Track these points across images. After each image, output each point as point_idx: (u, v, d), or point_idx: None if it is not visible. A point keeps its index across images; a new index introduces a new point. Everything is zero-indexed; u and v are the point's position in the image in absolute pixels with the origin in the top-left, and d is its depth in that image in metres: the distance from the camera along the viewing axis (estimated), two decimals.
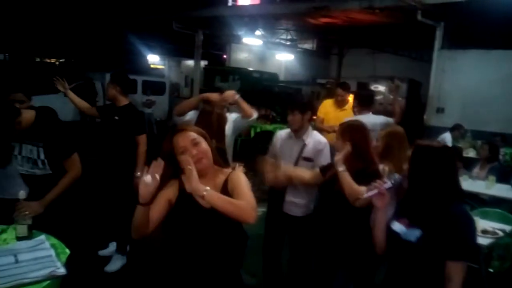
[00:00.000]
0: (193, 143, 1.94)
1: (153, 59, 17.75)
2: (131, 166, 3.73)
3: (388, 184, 1.91)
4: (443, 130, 8.34)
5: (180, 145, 1.94)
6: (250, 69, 14.74)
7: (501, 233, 3.47)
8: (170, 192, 1.99)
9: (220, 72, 14.80)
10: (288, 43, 15.78)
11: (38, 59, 17.55)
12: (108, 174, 3.97)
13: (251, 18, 12.40)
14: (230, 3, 13.12)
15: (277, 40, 15.34)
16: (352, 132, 2.74)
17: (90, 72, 12.17)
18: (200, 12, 12.49)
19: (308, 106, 3.38)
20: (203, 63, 15.01)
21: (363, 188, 2.00)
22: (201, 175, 1.93)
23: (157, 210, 1.95)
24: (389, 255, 1.98)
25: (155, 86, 13.73)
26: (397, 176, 1.93)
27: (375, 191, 1.93)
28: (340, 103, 5.52)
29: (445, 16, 9.71)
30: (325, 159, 3.17)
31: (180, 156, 1.92)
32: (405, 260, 1.86)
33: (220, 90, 3.63)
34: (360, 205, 2.43)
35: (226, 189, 1.97)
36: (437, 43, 10.12)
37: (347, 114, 4.94)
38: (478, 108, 9.37)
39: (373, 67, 15.85)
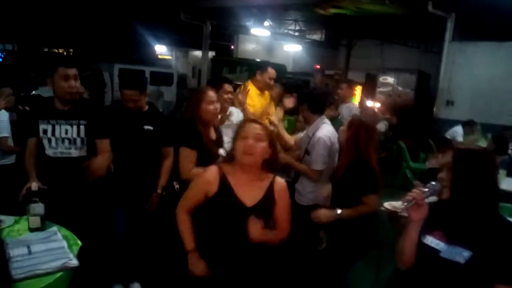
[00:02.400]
0: (256, 137, 1.94)
1: (161, 50, 17.72)
2: (153, 183, 3.10)
3: (427, 193, 1.72)
4: (452, 123, 8.26)
5: (243, 134, 1.96)
6: (258, 60, 14.66)
7: None
8: (208, 184, 2.00)
9: (228, 63, 14.72)
10: (296, 34, 15.66)
11: (46, 49, 17.59)
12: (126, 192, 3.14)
13: (259, 8, 12.31)
14: None
15: (285, 31, 15.23)
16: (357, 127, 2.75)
17: (98, 63, 12.18)
18: (208, 2, 12.41)
19: (309, 98, 3.39)
20: (210, 54, 14.94)
21: (400, 202, 1.85)
22: (245, 170, 1.98)
23: (193, 196, 2.05)
24: (419, 271, 1.77)
25: (163, 77, 13.71)
26: (434, 184, 1.73)
27: (413, 202, 1.72)
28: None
29: (456, 7, 9.59)
30: (315, 154, 3.20)
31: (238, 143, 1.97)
32: (447, 280, 1.66)
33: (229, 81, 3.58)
34: (401, 223, 2.27)
35: (271, 194, 2.01)
36: (448, 35, 10.00)
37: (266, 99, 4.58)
38: (488, 101, 9.27)
39: (381, 58, 15.71)
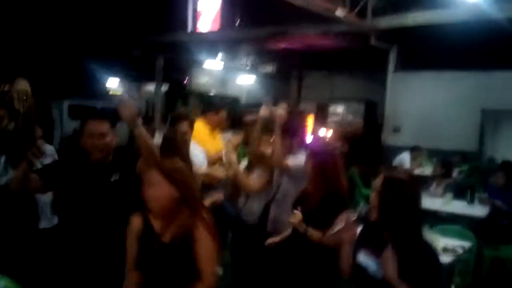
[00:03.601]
0: (150, 184, 1.94)
1: (112, 84, 17.48)
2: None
3: (355, 216, 1.92)
4: (400, 149, 8.64)
5: (144, 179, 1.97)
6: (211, 93, 14.82)
7: (460, 251, 3.57)
8: (135, 227, 2.02)
9: (181, 96, 14.76)
10: (249, 67, 15.99)
11: None
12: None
13: (211, 43, 12.54)
14: (189, 29, 13.23)
15: (238, 64, 15.52)
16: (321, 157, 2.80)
17: (46, 99, 11.82)
18: (160, 37, 12.52)
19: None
20: (164, 87, 14.94)
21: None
22: (159, 215, 1.97)
23: (130, 251, 2.00)
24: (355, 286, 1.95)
25: (115, 113, 13.50)
26: (361, 206, 1.97)
27: (342, 225, 1.91)
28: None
29: (397, 40, 10.21)
30: None
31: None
32: None
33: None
34: (329, 241, 2.33)
35: (189, 231, 1.92)
36: (391, 66, 10.59)
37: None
38: (432, 126, 9.80)
39: (330, 88, 16.28)
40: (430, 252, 1.83)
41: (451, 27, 8.55)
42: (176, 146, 3.19)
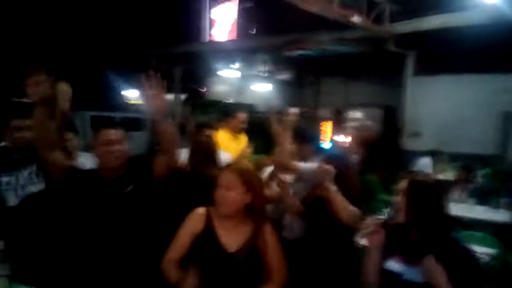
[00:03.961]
0: (228, 186, 1.94)
1: (133, 95, 17.77)
2: None
3: (381, 219, 1.89)
4: (420, 153, 8.55)
5: (218, 180, 1.97)
6: (227, 101, 14.93)
7: (486, 258, 3.49)
8: (196, 222, 1.99)
9: (199, 105, 14.92)
10: (265, 74, 16.07)
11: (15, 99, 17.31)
12: None
13: (228, 52, 12.67)
14: (206, 39, 13.39)
15: (255, 72, 15.62)
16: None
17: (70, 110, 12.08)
18: (178, 48, 12.70)
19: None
20: (182, 96, 15.13)
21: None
22: (227, 217, 1.97)
23: (181, 243, 1.99)
24: None
25: (135, 123, 13.74)
26: (389, 210, 1.93)
27: (369, 229, 1.87)
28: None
29: (415, 45, 10.14)
30: None
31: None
32: None
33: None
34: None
35: (256, 240, 1.94)
36: (409, 70, 10.52)
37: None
38: (453, 131, 9.68)
39: (347, 94, 16.24)
40: (471, 255, 1.80)
41: (469, 30, 8.46)
42: (207, 152, 3.17)
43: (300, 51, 11.43)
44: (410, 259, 1.77)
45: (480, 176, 7.29)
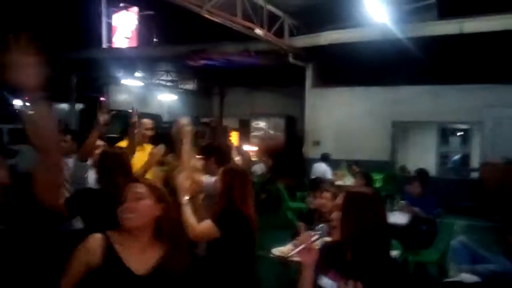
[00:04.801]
0: (136, 197, 1.78)
1: (20, 104, 16.26)
2: None
3: (315, 236, 1.78)
4: (319, 161, 8.96)
5: (124, 194, 1.79)
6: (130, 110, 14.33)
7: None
8: (89, 254, 1.74)
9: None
10: (169, 84, 15.77)
11: None
12: None
13: (128, 60, 12.19)
14: (104, 45, 12.76)
15: (158, 81, 15.24)
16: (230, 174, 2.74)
17: None
18: (73, 54, 11.90)
19: (217, 152, 3.38)
20: (78, 106, 14.17)
21: (288, 247, 1.84)
22: (134, 237, 1.78)
23: (74, 271, 1.72)
24: None
25: (24, 134, 12.54)
26: (322, 225, 1.82)
27: (301, 247, 1.75)
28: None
29: (313, 58, 10.70)
30: None
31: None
32: None
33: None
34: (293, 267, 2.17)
35: (166, 263, 1.79)
36: (308, 82, 11.07)
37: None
38: (349, 139, 10.36)
39: (252, 105, 16.61)
40: (402, 270, 1.77)
41: (361, 45, 9.17)
42: (119, 165, 2.84)
43: (205, 61, 11.40)
44: (346, 275, 1.70)
45: (375, 181, 7.80)
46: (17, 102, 16.20)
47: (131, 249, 1.78)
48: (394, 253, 3.85)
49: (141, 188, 1.80)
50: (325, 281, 1.76)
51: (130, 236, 1.79)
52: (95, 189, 2.86)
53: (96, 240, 1.77)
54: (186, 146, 3.07)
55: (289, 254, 1.82)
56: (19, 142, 11.98)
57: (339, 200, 1.81)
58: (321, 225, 1.84)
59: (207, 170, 3.38)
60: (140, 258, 1.78)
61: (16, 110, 16.11)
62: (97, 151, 3.41)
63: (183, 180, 2.64)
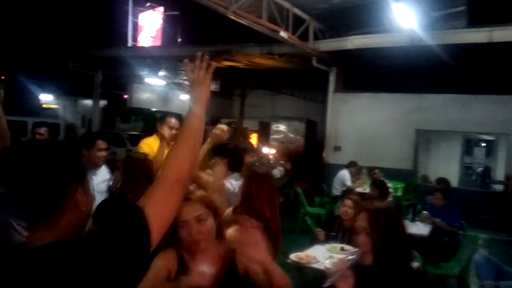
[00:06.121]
0: (197, 219, 1.71)
1: (46, 98, 16.60)
2: None
3: (351, 261, 1.71)
4: (341, 167, 8.85)
5: (181, 219, 1.69)
6: (153, 109, 14.46)
7: None
8: (168, 262, 1.71)
9: (121, 112, 14.29)
10: None
11: None
12: None
13: (153, 59, 12.30)
14: (130, 43, 12.92)
15: (181, 81, 15.34)
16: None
17: None
18: (99, 52, 12.08)
19: (231, 156, 3.31)
20: (102, 103, 14.39)
21: (326, 263, 1.75)
22: (198, 251, 1.73)
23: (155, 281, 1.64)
24: None
25: (47, 128, 12.80)
26: (354, 251, 1.76)
27: (338, 274, 1.67)
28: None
29: (337, 62, 10.60)
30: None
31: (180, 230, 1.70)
32: None
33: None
34: None
35: (232, 265, 1.74)
36: (331, 87, 10.95)
37: None
38: (371, 146, 10.20)
39: (272, 107, 16.60)
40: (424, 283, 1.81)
41: (387, 51, 9.03)
42: (144, 172, 2.79)
43: (228, 62, 11.42)
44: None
45: (393, 190, 7.66)
46: (43, 97, 16.58)
47: (198, 260, 1.74)
48: (414, 264, 3.77)
49: (200, 210, 1.74)
50: None
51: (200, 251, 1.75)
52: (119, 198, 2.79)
53: (170, 252, 1.75)
54: (206, 147, 3.04)
55: (327, 284, 1.69)
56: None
57: (362, 221, 1.76)
58: (356, 250, 1.76)
59: (215, 172, 3.29)
60: (209, 264, 1.70)
61: (41, 105, 16.50)
62: (103, 154, 3.41)
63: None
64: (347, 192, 4.99)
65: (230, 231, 2.13)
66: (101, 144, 3.37)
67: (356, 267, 1.72)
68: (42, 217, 1.08)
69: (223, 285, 1.69)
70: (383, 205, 1.91)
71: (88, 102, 15.34)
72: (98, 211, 2.29)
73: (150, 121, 13.37)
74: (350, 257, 1.73)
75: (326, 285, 1.68)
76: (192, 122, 1.38)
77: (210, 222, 1.75)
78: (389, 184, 7.67)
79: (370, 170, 8.25)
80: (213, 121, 16.14)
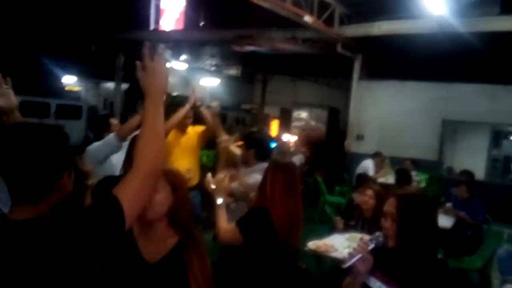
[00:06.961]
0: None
1: (69, 81, 16.78)
2: None
3: (372, 245, 1.71)
4: (363, 156, 8.67)
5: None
6: (174, 93, 14.46)
7: None
8: None
9: (143, 96, 14.34)
10: (213, 68, 15.79)
11: None
12: None
13: (174, 43, 12.24)
14: (152, 27, 12.87)
15: (202, 66, 15.29)
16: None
17: None
18: (121, 34, 12.09)
19: (258, 145, 3.33)
20: (124, 86, 14.46)
21: (345, 252, 1.77)
22: (148, 226, 1.71)
23: None
24: None
25: (70, 110, 12.95)
26: (378, 234, 1.73)
27: (359, 256, 1.69)
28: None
29: (362, 49, 10.32)
30: None
31: None
32: None
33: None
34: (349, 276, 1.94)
35: (178, 255, 1.69)
36: (355, 74, 10.69)
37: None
38: (395, 135, 9.96)
39: (294, 94, 16.39)
40: (450, 274, 1.75)
41: (415, 38, 8.72)
42: None
43: (250, 47, 11.25)
44: (390, 278, 1.67)
45: (417, 180, 7.48)
46: (66, 79, 16.77)
47: (148, 238, 1.74)
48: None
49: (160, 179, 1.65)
50: (372, 281, 1.72)
51: (147, 225, 1.74)
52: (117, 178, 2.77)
53: None
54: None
55: (346, 265, 1.69)
56: (65, 117, 12.44)
57: (390, 207, 1.72)
58: (377, 233, 1.74)
59: (244, 160, 3.35)
60: (155, 247, 1.73)
61: (64, 87, 16.70)
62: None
63: (220, 180, 2.55)
64: (365, 180, 4.87)
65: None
66: (113, 121, 3.77)
67: (378, 251, 1.73)
68: (31, 199, 1.19)
69: (164, 269, 1.67)
70: (414, 190, 1.84)
71: (110, 85, 15.43)
72: (95, 189, 2.34)
73: (170, 105, 13.40)
74: (372, 240, 1.72)
75: (346, 265, 1.70)
76: (147, 115, 1.44)
77: (162, 196, 1.69)
78: (416, 178, 7.53)
79: (403, 161, 8.04)
80: (234, 107, 16.08)
